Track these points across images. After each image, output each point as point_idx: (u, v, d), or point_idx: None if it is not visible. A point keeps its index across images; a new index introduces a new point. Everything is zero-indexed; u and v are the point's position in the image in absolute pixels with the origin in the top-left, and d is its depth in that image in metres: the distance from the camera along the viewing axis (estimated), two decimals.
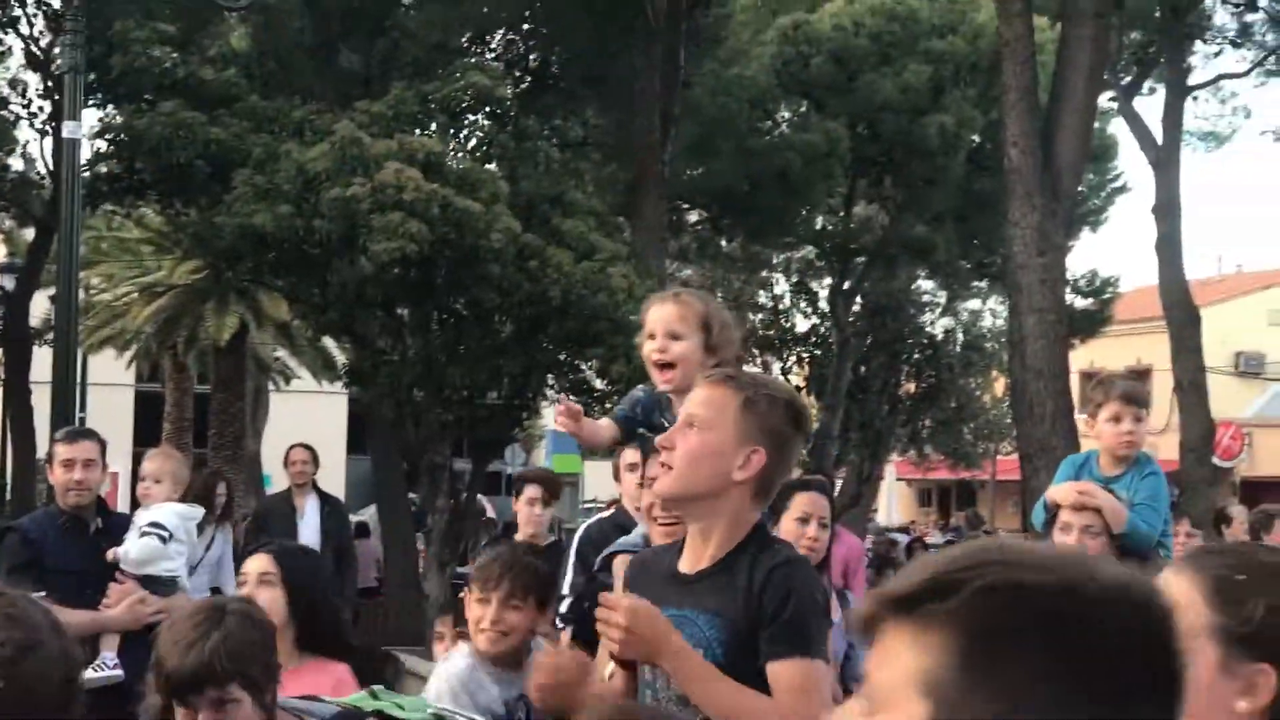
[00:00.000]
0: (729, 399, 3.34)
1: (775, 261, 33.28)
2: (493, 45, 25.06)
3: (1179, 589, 2.05)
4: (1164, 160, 26.60)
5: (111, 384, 31.89)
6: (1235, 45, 28.43)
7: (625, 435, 4.82)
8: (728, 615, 3.25)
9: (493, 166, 20.83)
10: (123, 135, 20.31)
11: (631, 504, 6.07)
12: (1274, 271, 41.46)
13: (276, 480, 22.10)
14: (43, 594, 4.36)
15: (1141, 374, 40.34)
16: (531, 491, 8.17)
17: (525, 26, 24.85)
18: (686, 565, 3.37)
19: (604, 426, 4.85)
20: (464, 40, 24.11)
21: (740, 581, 3.25)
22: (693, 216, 30.72)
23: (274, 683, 3.62)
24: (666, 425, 4.09)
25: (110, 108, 20.98)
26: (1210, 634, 2.01)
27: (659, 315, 4.40)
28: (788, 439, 3.38)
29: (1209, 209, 75.17)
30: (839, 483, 25.95)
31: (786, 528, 5.15)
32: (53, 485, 7.22)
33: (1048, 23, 21.97)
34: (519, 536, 8.25)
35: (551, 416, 25.53)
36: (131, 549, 6.46)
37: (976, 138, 27.41)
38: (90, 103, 18.97)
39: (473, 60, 23.11)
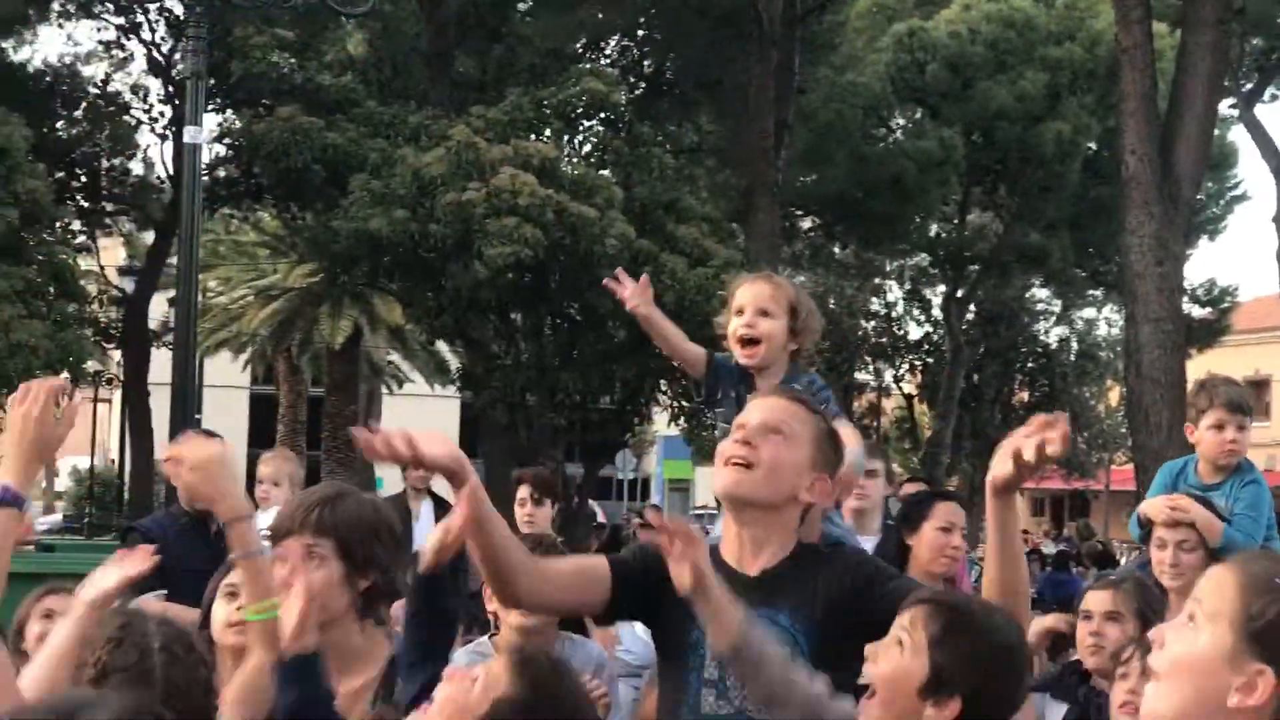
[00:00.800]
0: (812, 422, 3.31)
1: (889, 269, 33.63)
2: (607, 51, 25.66)
3: (1219, 574, 2.11)
4: None
5: (227, 386, 31.90)
6: None
7: (709, 375, 4.54)
8: (806, 610, 3.18)
9: (607, 172, 20.81)
10: (241, 140, 20.58)
11: None
12: None
13: (389, 483, 21.65)
14: (163, 593, 4.40)
15: (1260, 384, 40.40)
16: (521, 492, 7.46)
17: (640, 33, 25.20)
18: (745, 568, 3.23)
19: (694, 349, 4.65)
20: (579, 46, 24.62)
21: (812, 580, 3.21)
22: (806, 223, 30.41)
23: (374, 570, 3.43)
24: (740, 398, 4.15)
25: (229, 113, 21.41)
26: (1230, 621, 2.02)
27: (751, 292, 4.30)
28: (833, 476, 3.37)
29: None
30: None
31: (929, 537, 4.99)
32: (174, 486, 7.59)
33: (1167, 29, 21.55)
34: None
35: (663, 423, 25.29)
36: None
37: (1093, 145, 27.34)
38: (210, 108, 18.81)
39: (588, 66, 22.97)
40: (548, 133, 21.38)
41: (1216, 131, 23.49)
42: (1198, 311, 28.70)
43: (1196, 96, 18.47)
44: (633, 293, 4.61)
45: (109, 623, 2.97)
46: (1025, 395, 31.82)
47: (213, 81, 17.65)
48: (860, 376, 32.77)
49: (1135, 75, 18.20)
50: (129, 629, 2.91)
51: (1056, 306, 33.59)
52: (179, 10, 18.32)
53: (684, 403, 22.54)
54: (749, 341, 4.21)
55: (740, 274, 5.30)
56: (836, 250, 31.83)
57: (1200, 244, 33.24)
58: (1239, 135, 29.61)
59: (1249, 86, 27.71)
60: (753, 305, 4.23)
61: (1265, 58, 27.52)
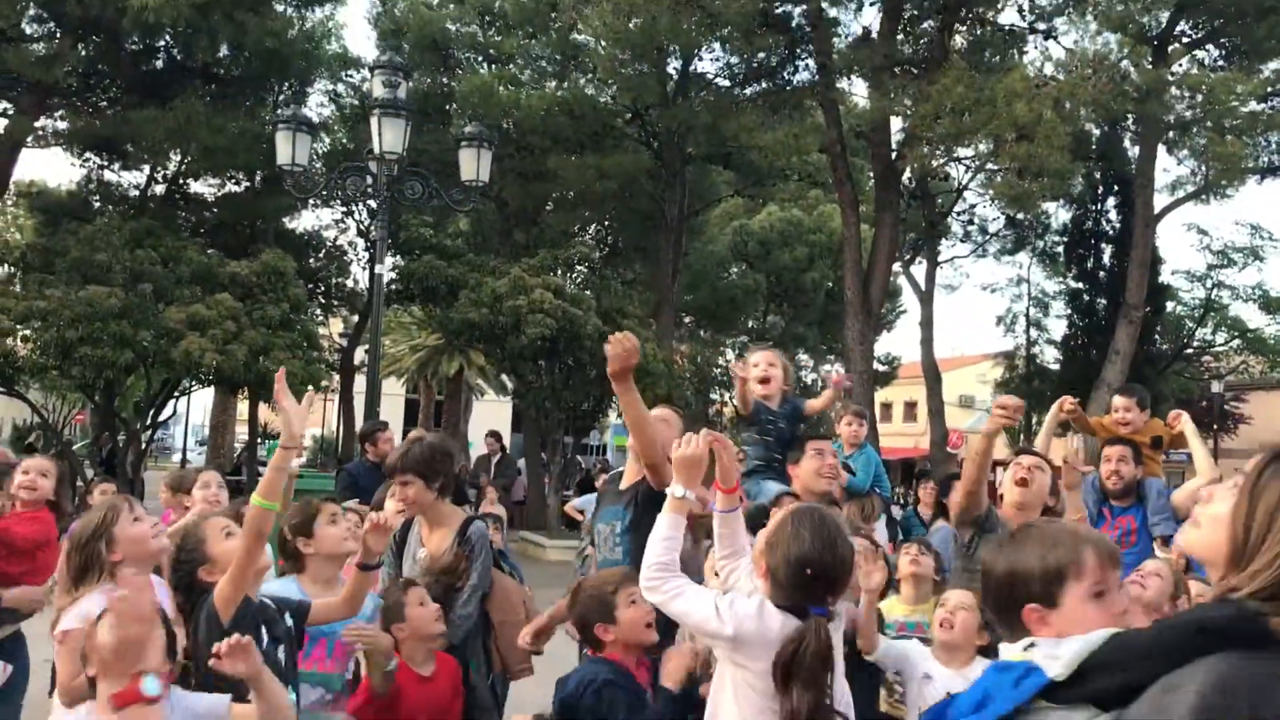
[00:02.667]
0: None
1: (727, 343, 35.50)
2: (590, 233, 29.61)
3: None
4: (925, 298, 29.93)
5: (392, 394, 32.69)
6: (961, 242, 32.40)
7: (751, 414, 5.08)
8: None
9: (588, 293, 24.86)
10: (405, 271, 24.28)
11: None
12: (975, 355, 42.13)
13: (477, 446, 23.97)
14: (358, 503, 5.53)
15: (912, 405, 42.60)
16: (491, 443, 8.76)
17: (606, 223, 29.27)
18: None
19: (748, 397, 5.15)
20: (576, 228, 28.63)
21: None
22: (687, 319, 33.09)
23: (440, 478, 4.28)
24: (771, 418, 4.96)
25: (399, 256, 24.71)
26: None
27: (765, 355, 5.01)
28: None
29: (948, 321, 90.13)
30: None
31: (807, 465, 4.84)
32: (370, 453, 8.16)
33: (868, 228, 24.26)
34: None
35: (614, 416, 33.39)
36: None
37: (830, 284, 30.86)
38: (389, 254, 19.91)
39: (580, 239, 28.13)
40: (559, 272, 24.95)
41: (892, 277, 26.77)
42: (880, 367, 30.63)
43: (881, 260, 22.74)
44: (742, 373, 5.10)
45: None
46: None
47: (390, 240, 18.55)
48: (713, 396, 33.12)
49: (851, 250, 22.43)
50: None
51: (810, 365, 36.64)
52: (374, 204, 18.89)
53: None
54: (764, 381, 4.86)
55: (752, 345, 5.21)
56: (702, 333, 34.28)
57: (883, 335, 36.21)
58: (904, 280, 32.81)
59: (909, 255, 30.97)
60: (765, 362, 4.95)
61: (915, 242, 30.62)
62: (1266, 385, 31.57)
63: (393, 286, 24.66)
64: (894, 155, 22.37)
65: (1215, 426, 31.07)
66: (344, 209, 26.90)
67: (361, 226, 26.85)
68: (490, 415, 34.23)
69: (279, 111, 17.32)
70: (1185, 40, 22.72)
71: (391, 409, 30.82)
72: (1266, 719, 1.50)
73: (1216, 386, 30.48)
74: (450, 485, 4.40)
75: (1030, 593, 1.95)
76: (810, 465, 4.82)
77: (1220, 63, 22.33)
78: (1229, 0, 19.95)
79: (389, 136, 13.72)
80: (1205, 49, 22.98)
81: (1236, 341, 29.33)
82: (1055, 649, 1.79)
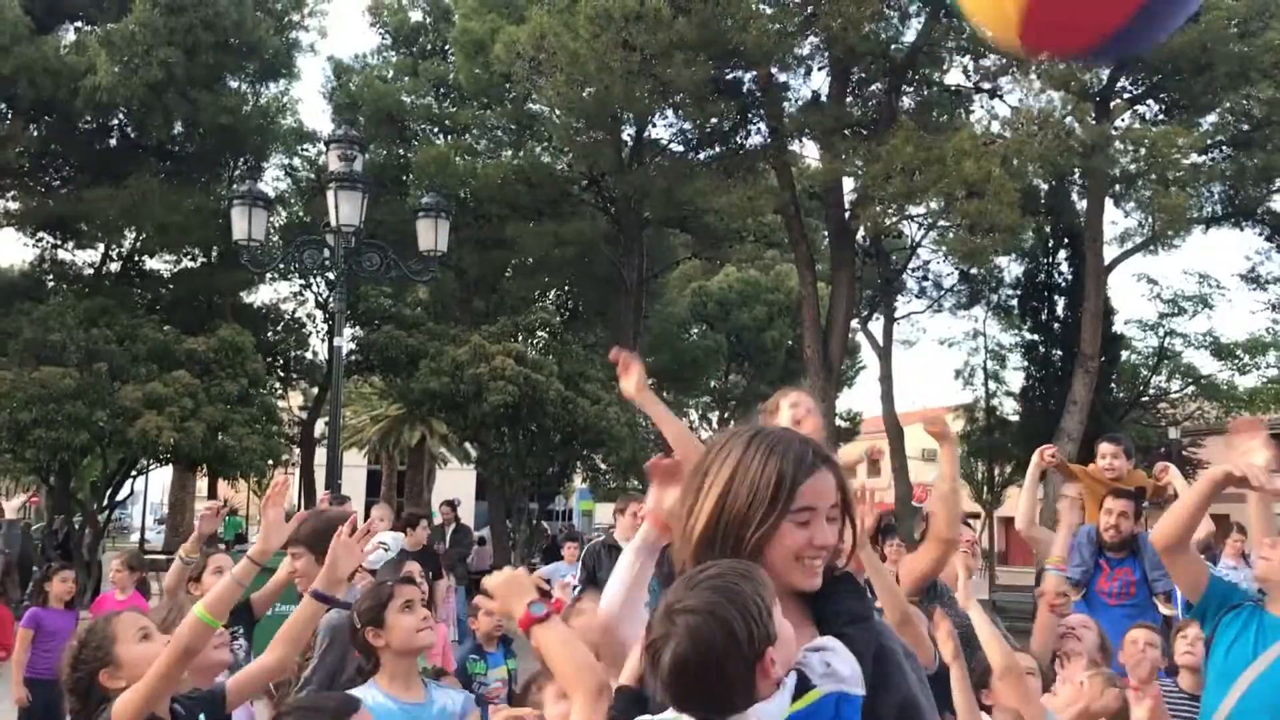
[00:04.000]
0: None
1: (690, 404, 36.12)
2: (551, 298, 29.98)
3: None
4: (883, 353, 29.25)
5: (354, 466, 31.71)
6: (917, 298, 31.52)
7: None
8: None
9: (550, 358, 24.83)
10: (364, 341, 24.73)
11: (623, 536, 6.53)
12: (937, 408, 36.66)
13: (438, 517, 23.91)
14: None
15: (875, 461, 44.98)
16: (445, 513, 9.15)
17: (566, 287, 29.47)
18: None
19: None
20: (536, 294, 28.92)
21: None
22: (649, 381, 33.99)
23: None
24: None
25: (358, 328, 25.01)
26: None
27: (801, 397, 4.28)
28: None
29: (907, 376, 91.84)
30: None
31: None
32: None
33: (825, 286, 24.80)
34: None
35: (578, 481, 33.48)
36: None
37: (790, 342, 31.79)
38: (347, 325, 21.14)
39: (540, 305, 28.52)
40: (520, 338, 25.50)
41: (850, 334, 26.47)
42: (842, 423, 31.88)
43: (839, 318, 22.99)
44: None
45: None
46: None
47: (349, 312, 19.38)
48: None
49: (809, 308, 22.73)
50: None
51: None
52: (331, 276, 17.83)
53: (589, 472, 26.93)
54: (796, 423, 3.94)
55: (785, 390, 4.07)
56: (665, 395, 29.24)
57: (844, 391, 36.14)
58: (862, 337, 32.37)
59: (866, 312, 30.19)
60: (803, 407, 4.15)
61: (871, 300, 29.98)
62: (1222, 430, 31.90)
63: (352, 357, 24.62)
64: (848, 215, 22.65)
65: None
66: (302, 282, 26.77)
67: (320, 299, 26.86)
68: (454, 484, 33.79)
69: (234, 187, 17.40)
70: (1126, 96, 23.25)
71: (353, 481, 30.72)
72: None
73: (1174, 433, 30.75)
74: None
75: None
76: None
77: (1161, 117, 22.88)
78: (1166, 57, 20.47)
79: (345, 209, 13.70)
80: (1146, 104, 23.54)
81: (1191, 388, 29.70)
82: None
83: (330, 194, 13.82)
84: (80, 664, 3.03)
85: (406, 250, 15.60)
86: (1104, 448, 6.50)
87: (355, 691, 3.34)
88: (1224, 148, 22.85)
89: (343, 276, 13.91)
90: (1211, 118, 22.44)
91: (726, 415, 35.54)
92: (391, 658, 3.44)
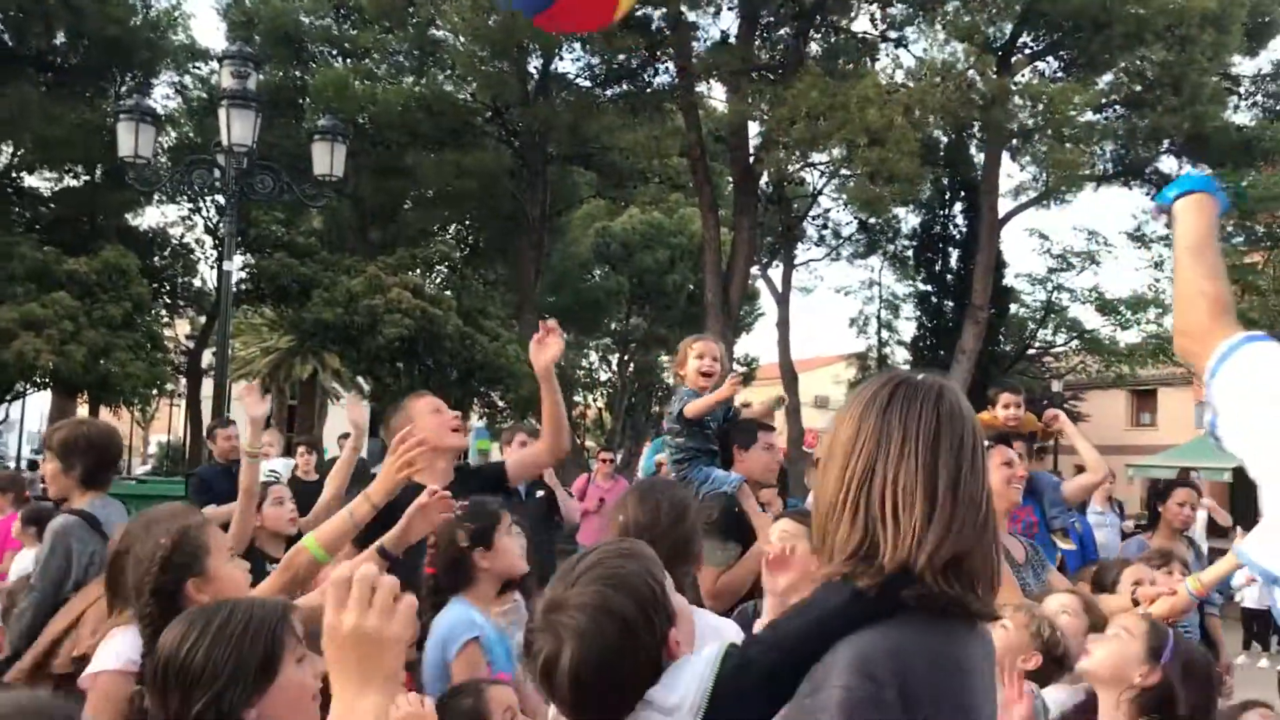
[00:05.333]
0: None
1: (591, 345, 36.38)
2: (450, 232, 29.86)
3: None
4: (781, 300, 29.69)
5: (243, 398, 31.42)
6: (816, 245, 32.10)
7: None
8: None
9: (448, 293, 25.24)
10: (255, 269, 24.22)
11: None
12: (831, 356, 41.29)
13: (332, 451, 21.87)
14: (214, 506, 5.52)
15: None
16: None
17: (467, 221, 29.17)
18: None
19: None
20: (436, 227, 28.78)
21: None
22: (550, 322, 33.74)
23: (77, 465, 3.92)
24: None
25: (249, 254, 24.34)
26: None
27: (710, 346, 4.79)
28: None
29: (804, 323, 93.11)
30: None
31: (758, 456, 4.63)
32: (213, 450, 8.03)
33: (727, 231, 24.98)
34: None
35: (476, 419, 33.36)
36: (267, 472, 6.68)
37: (692, 286, 31.89)
38: (237, 251, 19.58)
39: (440, 238, 28.49)
40: (419, 271, 25.67)
41: (750, 280, 27.32)
42: (739, 368, 29.40)
43: (740, 263, 23.29)
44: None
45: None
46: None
47: (239, 237, 18.17)
48: (575, 399, 34.83)
49: (711, 252, 22.90)
50: None
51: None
52: (222, 200, 18.17)
53: (487, 409, 27.09)
54: (709, 374, 4.68)
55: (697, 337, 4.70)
56: (564, 335, 34.78)
57: (743, 336, 36.23)
58: (761, 283, 31.72)
59: (765, 260, 30.25)
60: (709, 354, 4.75)
61: (772, 246, 30.36)
62: (1102, 384, 33.08)
63: (242, 286, 24.14)
64: (752, 159, 22.73)
65: None
66: (191, 205, 26.10)
67: (209, 223, 26.18)
68: (347, 419, 32.86)
69: (121, 102, 16.60)
70: (1027, 51, 23.73)
71: (242, 413, 29.33)
72: (914, 686, 1.44)
73: (1056, 385, 31.81)
74: (94, 477, 3.97)
75: None
76: (763, 457, 4.60)
77: (1060, 74, 23.36)
78: (1067, 14, 20.88)
79: (238, 128, 13.19)
80: (1046, 60, 24.01)
81: (1075, 342, 30.67)
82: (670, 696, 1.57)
83: (222, 112, 13.22)
84: (171, 567, 2.72)
85: (301, 175, 15.13)
86: (1006, 397, 6.70)
87: (453, 608, 3.20)
88: (1117, 107, 23.47)
89: (234, 199, 13.38)
90: (1107, 77, 22.99)
91: (626, 357, 35.65)
92: (489, 580, 3.29)
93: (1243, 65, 25.13)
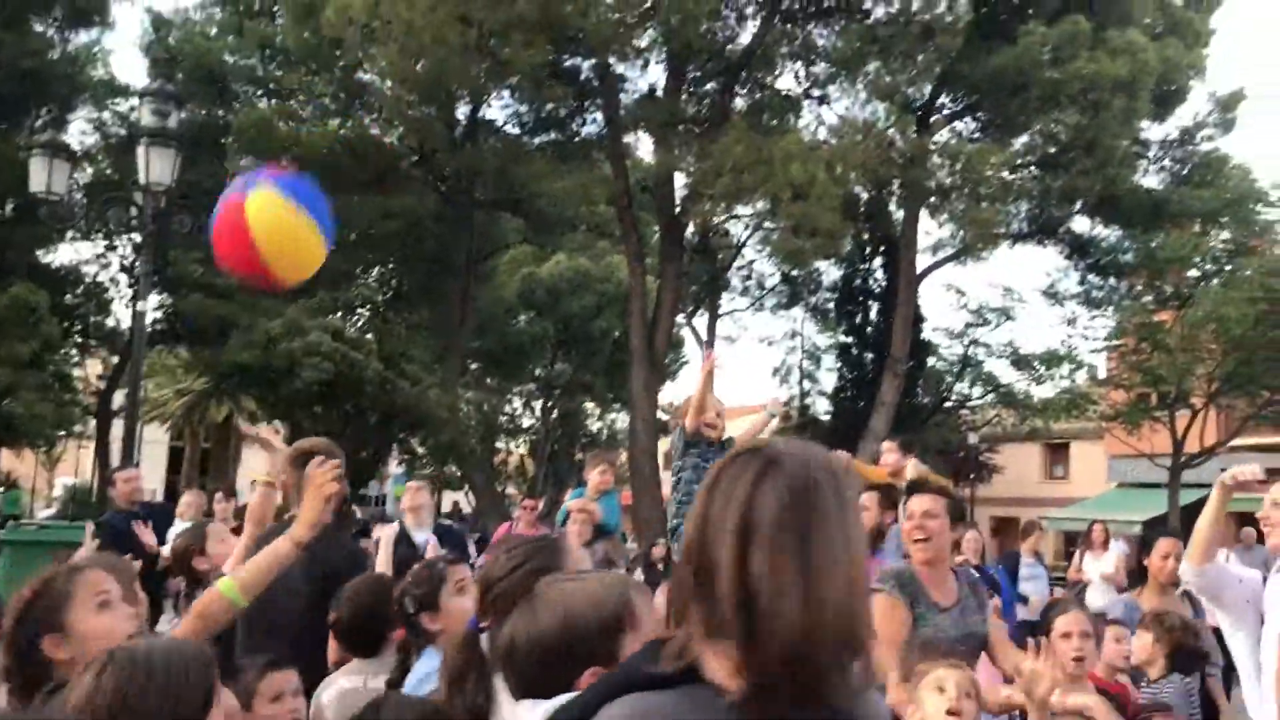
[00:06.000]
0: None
1: (515, 391, 36.19)
2: (373, 275, 29.55)
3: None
4: (706, 348, 28.93)
5: (155, 441, 30.04)
6: (740, 296, 33.05)
7: (692, 438, 5.26)
8: None
9: (369, 336, 25.22)
10: (171, 309, 24.25)
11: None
12: (755, 405, 43.14)
13: (246, 496, 23.56)
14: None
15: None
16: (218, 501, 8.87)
17: (391, 265, 28.88)
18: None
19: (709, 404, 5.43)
20: (359, 269, 28.40)
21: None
22: (473, 365, 32.28)
23: None
24: (710, 451, 5.02)
25: (165, 294, 24.00)
26: None
27: (716, 404, 5.09)
28: None
29: (728, 372, 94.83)
30: None
31: None
32: (114, 495, 7.89)
33: (654, 279, 24.52)
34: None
35: (395, 465, 32.89)
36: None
37: (617, 333, 30.60)
38: (154, 291, 19.82)
39: (362, 281, 28.22)
40: (339, 314, 25.63)
41: (675, 328, 27.32)
42: (664, 416, 28.04)
43: (665, 311, 23.26)
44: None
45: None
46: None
47: (155, 276, 17.82)
48: (499, 444, 34.73)
49: (637, 300, 22.92)
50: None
51: (597, 413, 36.67)
52: (138, 239, 17.86)
53: (406, 455, 27.01)
54: (712, 426, 5.05)
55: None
56: (489, 380, 33.94)
57: (668, 384, 34.77)
58: (686, 331, 33.17)
59: (691, 308, 31.30)
60: (714, 410, 5.06)
61: (697, 296, 31.34)
62: (1016, 437, 33.71)
63: (157, 326, 24.17)
64: (678, 210, 22.91)
65: (971, 476, 32.95)
66: (106, 243, 25.71)
67: (124, 262, 25.85)
68: (261, 464, 32.46)
69: (35, 137, 16.28)
70: (946, 112, 24.38)
71: (154, 457, 29.85)
72: None
73: (973, 438, 32.34)
74: None
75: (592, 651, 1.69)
76: None
77: (977, 134, 23.99)
78: (985, 77, 21.46)
79: (157, 166, 12.92)
80: (964, 121, 24.65)
81: (990, 395, 31.22)
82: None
83: (141, 149, 13.00)
84: (24, 621, 2.52)
85: None
86: (886, 444, 6.89)
87: (425, 660, 3.09)
88: (1032, 168, 24.09)
89: (150, 238, 13.07)
90: (1023, 138, 23.62)
91: (550, 403, 35.43)
92: (450, 637, 3.09)
93: (1151, 130, 25.90)
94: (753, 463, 1.42)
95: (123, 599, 2.68)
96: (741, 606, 1.35)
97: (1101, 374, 28.71)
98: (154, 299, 22.07)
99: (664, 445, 28.83)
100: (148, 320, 14.65)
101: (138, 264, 17.50)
